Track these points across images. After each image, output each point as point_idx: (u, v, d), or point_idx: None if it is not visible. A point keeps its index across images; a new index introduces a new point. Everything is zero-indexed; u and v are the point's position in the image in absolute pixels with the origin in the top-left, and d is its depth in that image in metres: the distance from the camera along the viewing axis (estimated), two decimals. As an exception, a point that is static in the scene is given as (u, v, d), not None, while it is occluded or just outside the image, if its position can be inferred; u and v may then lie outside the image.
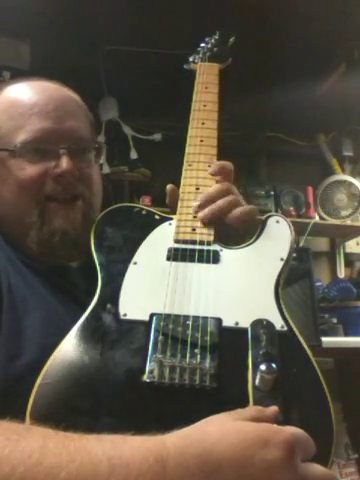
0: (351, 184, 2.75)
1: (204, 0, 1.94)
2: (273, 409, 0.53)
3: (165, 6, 1.93)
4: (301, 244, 2.55)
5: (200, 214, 0.77)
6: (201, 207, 0.77)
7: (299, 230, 2.53)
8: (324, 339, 1.93)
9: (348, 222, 2.74)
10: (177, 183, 0.83)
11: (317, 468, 0.50)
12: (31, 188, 0.77)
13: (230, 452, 0.46)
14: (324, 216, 2.71)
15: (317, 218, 2.69)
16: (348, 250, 2.90)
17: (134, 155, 2.52)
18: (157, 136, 2.59)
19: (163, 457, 0.45)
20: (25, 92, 0.81)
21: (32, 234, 0.78)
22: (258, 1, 1.94)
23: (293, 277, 1.95)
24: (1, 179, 0.79)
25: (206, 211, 0.77)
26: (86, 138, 0.82)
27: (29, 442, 0.46)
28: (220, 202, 0.76)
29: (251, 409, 0.54)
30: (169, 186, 0.83)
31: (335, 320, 2.28)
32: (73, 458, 0.45)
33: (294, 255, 1.98)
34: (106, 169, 2.40)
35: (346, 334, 2.25)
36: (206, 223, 0.76)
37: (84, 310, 0.66)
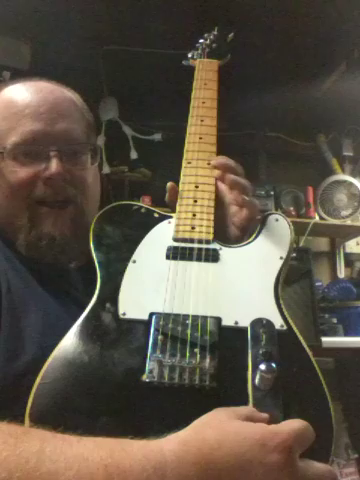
0: (351, 184, 2.75)
1: (204, 0, 1.94)
2: (265, 416, 0.53)
3: (165, 6, 1.93)
4: (301, 244, 2.55)
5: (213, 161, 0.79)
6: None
7: (299, 230, 2.52)
8: (324, 339, 1.93)
9: (348, 222, 2.74)
10: (177, 183, 0.83)
11: (316, 466, 0.50)
12: (21, 191, 0.77)
13: (228, 458, 0.46)
14: (324, 216, 2.70)
15: (317, 218, 2.69)
16: (348, 250, 2.90)
17: (134, 155, 2.52)
18: (157, 136, 2.58)
19: (162, 466, 0.45)
20: (20, 93, 0.80)
21: (21, 237, 0.78)
22: (258, 1, 1.94)
23: (293, 277, 1.95)
24: None
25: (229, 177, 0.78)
26: (80, 140, 0.81)
27: (26, 447, 0.46)
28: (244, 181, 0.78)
29: (247, 409, 0.54)
30: (169, 183, 0.82)
31: (335, 320, 2.28)
32: (70, 465, 0.44)
33: (294, 255, 1.99)
34: (106, 169, 2.40)
35: (346, 334, 2.25)
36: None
37: (83, 310, 0.65)
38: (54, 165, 0.76)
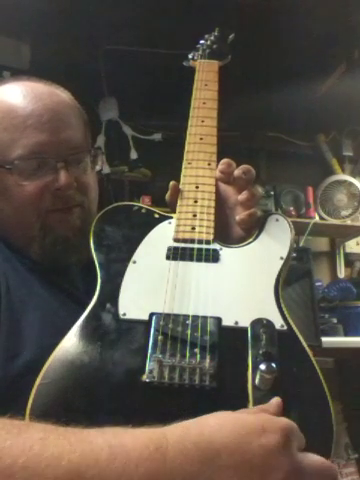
0: (351, 184, 2.75)
1: (204, 0, 1.94)
2: (275, 403, 0.54)
3: (165, 6, 1.93)
4: (301, 244, 2.55)
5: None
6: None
7: (299, 230, 2.53)
8: (324, 339, 1.93)
9: (348, 222, 2.74)
10: (177, 183, 0.83)
11: (314, 457, 0.50)
12: (31, 204, 0.76)
13: (228, 439, 0.47)
14: (324, 216, 2.71)
15: (317, 218, 2.69)
16: (348, 250, 2.90)
17: (134, 155, 2.52)
18: (157, 136, 2.59)
19: (163, 445, 0.46)
20: (18, 100, 0.78)
21: (35, 246, 0.78)
22: (258, 1, 1.94)
23: (293, 277, 1.95)
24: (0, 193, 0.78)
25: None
26: (82, 146, 0.81)
27: (30, 434, 0.46)
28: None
29: (253, 408, 0.54)
30: (172, 182, 0.82)
31: (335, 320, 2.28)
32: (74, 448, 0.45)
33: (294, 255, 1.99)
34: (106, 169, 2.40)
35: (346, 334, 2.25)
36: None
37: (84, 310, 0.65)
38: (63, 177, 0.76)
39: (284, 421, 0.50)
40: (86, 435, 0.47)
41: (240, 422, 0.49)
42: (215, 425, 0.48)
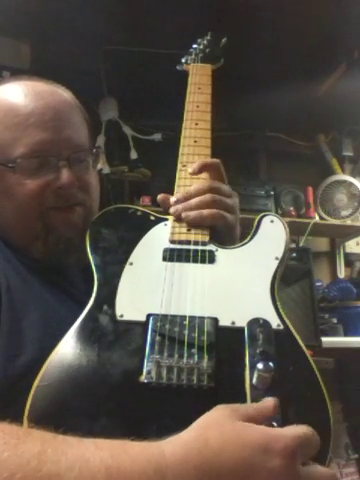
0: (351, 184, 2.75)
1: (204, 0, 1.94)
2: (269, 404, 0.53)
3: (165, 6, 1.93)
4: (301, 244, 2.55)
5: (172, 210, 0.78)
6: (176, 203, 0.78)
7: (299, 230, 2.53)
8: (324, 339, 1.93)
9: (348, 222, 2.74)
10: (166, 194, 0.83)
11: (318, 470, 0.50)
12: (33, 203, 0.76)
13: (230, 462, 0.46)
14: (324, 216, 2.70)
15: (317, 218, 2.69)
16: (348, 250, 2.90)
17: (134, 155, 2.52)
18: (157, 136, 2.58)
19: (162, 469, 0.45)
20: (20, 98, 0.78)
21: (38, 244, 0.78)
22: (258, 1, 1.94)
23: (293, 277, 1.94)
24: (1, 192, 0.78)
25: (179, 207, 0.78)
26: (84, 145, 0.81)
27: (28, 447, 0.46)
28: (193, 201, 0.77)
29: (248, 408, 0.53)
30: (159, 196, 0.82)
31: (335, 320, 2.28)
32: (71, 466, 0.44)
33: (294, 255, 1.99)
34: (106, 169, 2.40)
35: (346, 334, 2.25)
36: (177, 219, 0.77)
37: (83, 309, 0.66)
38: (65, 175, 0.76)
39: (288, 437, 0.48)
40: (83, 451, 0.46)
41: (242, 441, 0.47)
42: (216, 444, 0.47)
